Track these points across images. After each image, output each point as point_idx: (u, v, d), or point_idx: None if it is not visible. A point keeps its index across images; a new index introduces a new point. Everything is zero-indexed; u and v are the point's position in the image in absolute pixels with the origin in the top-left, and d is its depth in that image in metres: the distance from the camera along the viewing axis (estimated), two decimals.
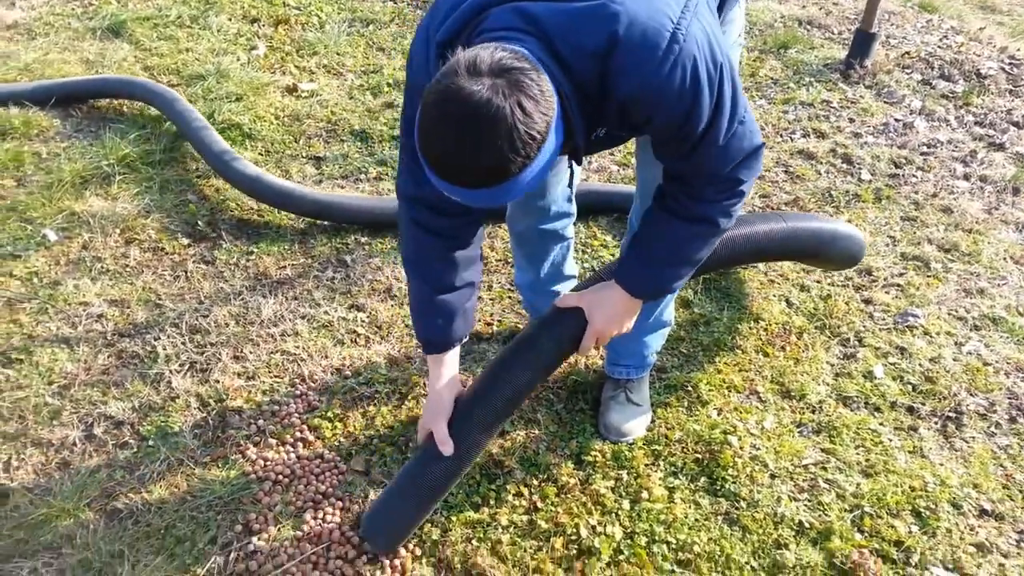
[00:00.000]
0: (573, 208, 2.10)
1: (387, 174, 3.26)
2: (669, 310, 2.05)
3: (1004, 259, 2.80)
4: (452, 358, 1.72)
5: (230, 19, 4.66)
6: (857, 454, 2.05)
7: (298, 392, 2.21)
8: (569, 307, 1.70)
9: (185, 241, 2.84)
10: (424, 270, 1.65)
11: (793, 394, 2.24)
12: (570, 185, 1.93)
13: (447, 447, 1.64)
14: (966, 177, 3.32)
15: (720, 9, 1.62)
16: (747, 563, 1.78)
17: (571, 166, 1.64)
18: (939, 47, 4.52)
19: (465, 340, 1.74)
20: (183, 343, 2.39)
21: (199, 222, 2.89)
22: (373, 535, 1.77)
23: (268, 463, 1.99)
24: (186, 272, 2.70)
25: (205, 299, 2.58)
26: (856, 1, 5.14)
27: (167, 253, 2.78)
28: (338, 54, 4.29)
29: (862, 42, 4.14)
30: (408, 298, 1.77)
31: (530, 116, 1.17)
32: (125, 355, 2.36)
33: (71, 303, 2.54)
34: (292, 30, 4.58)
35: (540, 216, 2.03)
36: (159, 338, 2.40)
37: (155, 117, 3.50)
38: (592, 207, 2.91)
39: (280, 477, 1.96)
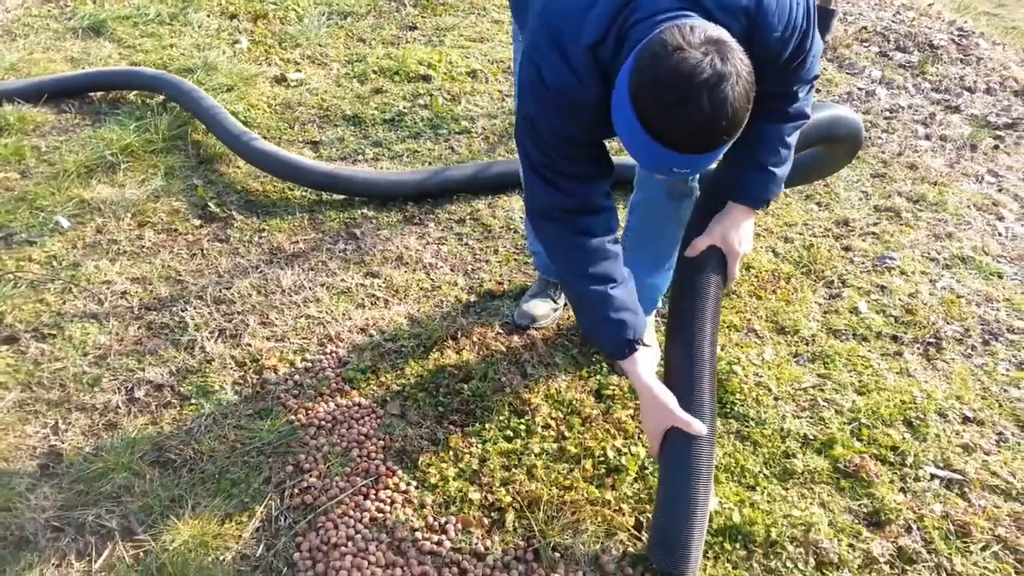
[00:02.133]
0: None
1: (383, 155, 3.39)
2: (676, 252, 2.21)
3: (968, 207, 3.03)
4: (645, 352, 1.73)
5: (208, 15, 4.74)
6: (850, 377, 2.25)
7: (328, 350, 2.34)
8: (702, 250, 1.81)
9: (197, 222, 2.94)
10: (601, 274, 1.67)
11: (787, 330, 2.43)
12: None
13: (696, 425, 1.63)
14: (927, 137, 3.55)
15: None
16: (760, 472, 1.96)
17: None
18: (893, 22, 4.78)
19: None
20: (210, 313, 2.50)
21: (209, 204, 3.00)
22: (680, 562, 1.61)
23: (310, 411, 2.12)
24: (202, 250, 2.80)
25: (224, 273, 2.69)
26: None
27: (181, 234, 2.88)
28: (320, 45, 4.40)
29: (822, 18, 4.34)
30: (584, 319, 1.77)
31: (746, 64, 1.31)
32: (155, 326, 2.46)
33: (94, 282, 2.63)
34: (271, 24, 4.68)
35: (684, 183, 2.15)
36: (186, 309, 2.51)
37: (151, 107, 3.59)
38: None
39: (323, 423, 2.09)
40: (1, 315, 2.47)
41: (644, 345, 1.71)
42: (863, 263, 2.73)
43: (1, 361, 2.31)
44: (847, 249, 2.80)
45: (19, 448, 2.06)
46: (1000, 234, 2.88)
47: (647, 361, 1.70)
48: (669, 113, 1.29)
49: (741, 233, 1.80)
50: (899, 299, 2.55)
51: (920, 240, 2.84)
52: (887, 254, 2.74)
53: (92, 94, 3.78)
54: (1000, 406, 2.16)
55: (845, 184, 3.18)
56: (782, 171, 1.78)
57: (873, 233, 2.89)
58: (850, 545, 1.79)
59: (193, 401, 2.19)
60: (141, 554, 1.79)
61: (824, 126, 2.14)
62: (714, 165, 1.47)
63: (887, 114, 3.73)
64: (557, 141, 1.57)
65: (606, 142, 1.70)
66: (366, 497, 1.90)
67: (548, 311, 2.41)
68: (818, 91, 3.92)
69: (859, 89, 3.96)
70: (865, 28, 4.64)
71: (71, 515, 1.89)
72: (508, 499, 1.88)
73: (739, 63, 1.29)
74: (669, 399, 1.66)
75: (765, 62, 1.50)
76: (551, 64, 1.48)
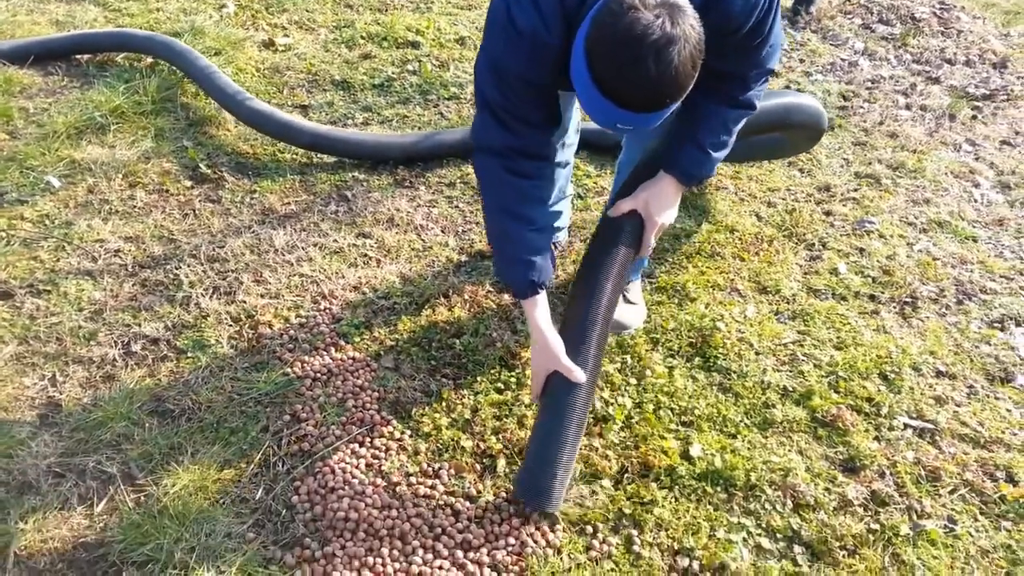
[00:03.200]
0: (577, 138, 2.31)
1: (373, 119, 3.41)
2: None
3: (945, 174, 3.11)
4: (545, 298, 1.81)
5: None
6: (829, 333, 2.33)
7: (322, 307, 2.39)
8: (624, 213, 1.86)
9: (188, 183, 2.96)
10: (521, 214, 1.76)
11: (769, 289, 2.50)
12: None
13: (577, 373, 1.72)
14: (908, 107, 3.62)
15: None
16: (741, 421, 2.04)
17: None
18: None
19: (552, 284, 1.85)
20: (204, 271, 2.54)
21: (200, 165, 3.02)
22: (540, 497, 1.72)
23: (305, 364, 2.17)
24: (194, 211, 2.83)
25: (217, 233, 2.72)
26: None
27: (172, 194, 2.90)
28: (307, 11, 4.39)
29: None
30: (498, 253, 1.85)
31: (696, 30, 1.36)
32: (149, 283, 2.49)
33: (86, 240, 2.65)
34: None
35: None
36: (179, 267, 2.54)
37: (140, 70, 3.59)
38: None
39: (318, 375, 2.14)
40: None
41: (545, 289, 1.80)
42: (843, 227, 2.80)
43: None
44: (828, 214, 2.88)
45: (18, 399, 2.10)
46: (976, 200, 2.96)
47: (545, 305, 1.79)
48: (617, 71, 1.35)
49: (663, 203, 1.84)
50: (877, 261, 2.63)
51: (899, 205, 2.92)
52: (866, 218, 2.82)
53: (79, 57, 3.77)
54: (971, 361, 2.25)
55: (827, 152, 3.25)
56: (719, 155, 1.83)
57: (853, 198, 2.96)
58: (826, 489, 1.88)
59: (189, 355, 2.23)
60: (142, 498, 1.84)
61: (787, 112, 2.21)
62: (657, 125, 1.51)
63: (869, 84, 3.79)
64: (518, 84, 1.62)
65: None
66: (361, 445, 1.96)
67: None
68: (802, 61, 3.98)
69: (842, 60, 4.02)
70: (849, 0, 4.69)
71: (72, 461, 1.93)
72: (499, 446, 1.95)
73: (689, 28, 1.34)
74: (558, 345, 1.74)
75: (724, 33, 1.56)
76: (523, 8, 1.52)
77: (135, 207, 2.83)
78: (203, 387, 2.12)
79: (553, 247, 2.46)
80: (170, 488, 1.84)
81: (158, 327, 2.33)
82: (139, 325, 2.33)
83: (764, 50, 1.68)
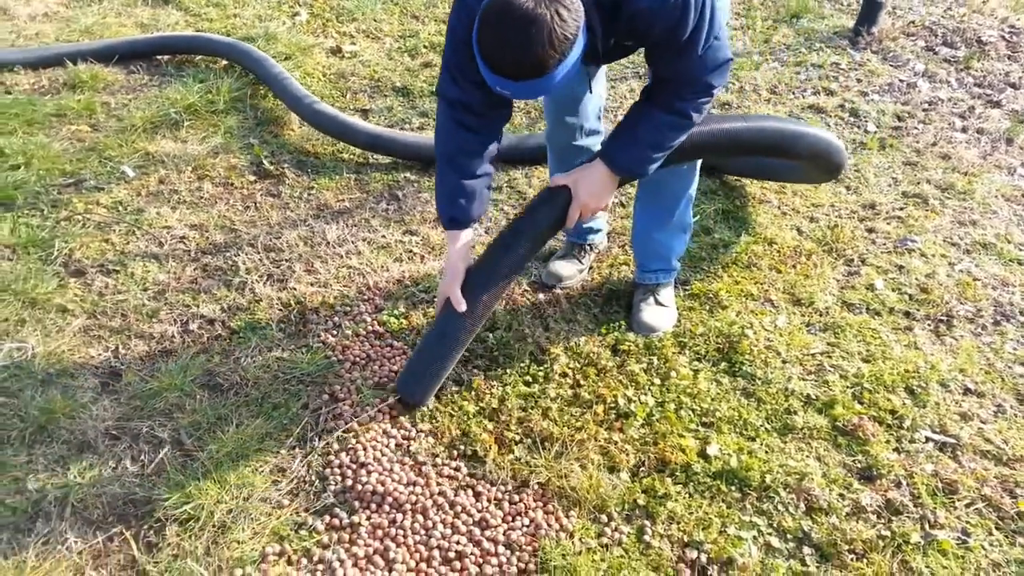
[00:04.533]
0: (602, 127, 2.40)
1: (428, 124, 3.55)
2: (689, 213, 2.35)
3: (996, 197, 3.08)
4: (468, 235, 2.03)
5: None
6: (858, 346, 2.34)
7: (366, 297, 2.51)
8: (559, 185, 2.01)
9: (252, 178, 3.14)
10: (457, 162, 1.97)
11: (803, 301, 2.53)
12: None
13: (462, 305, 1.97)
14: (964, 129, 3.59)
15: None
16: (762, 425, 2.08)
17: (590, 88, 2.02)
18: (943, 17, 4.78)
19: (479, 222, 2.07)
20: (260, 259, 2.70)
21: (264, 161, 3.19)
22: (409, 390, 2.08)
23: (347, 349, 2.30)
24: (255, 203, 3.00)
25: (275, 225, 2.88)
26: None
27: (236, 188, 3.08)
28: (375, 20, 4.58)
29: (869, 10, 4.41)
30: (436, 186, 2.05)
31: (565, 21, 1.52)
32: (210, 268, 2.66)
33: (155, 227, 2.84)
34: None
35: (575, 133, 2.33)
36: (238, 255, 2.70)
37: (214, 71, 3.81)
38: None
39: (357, 359, 2.26)
40: (71, 251, 2.69)
41: (467, 227, 2.01)
42: (885, 244, 2.81)
43: (70, 291, 2.53)
44: (870, 231, 2.88)
45: (83, 367, 2.27)
46: None
47: (464, 241, 2.01)
48: (489, 39, 1.55)
49: (590, 184, 1.96)
50: (916, 279, 2.63)
51: (944, 225, 2.91)
52: (909, 237, 2.82)
53: (160, 57, 4.02)
54: (1003, 381, 2.24)
55: (876, 170, 3.25)
56: (651, 154, 1.92)
57: (898, 217, 2.96)
58: (840, 494, 1.91)
59: (241, 335, 2.38)
60: (188, 461, 1.99)
61: (794, 139, 2.25)
62: (539, 99, 1.66)
63: (925, 106, 3.77)
64: (462, 47, 1.77)
65: None
66: (393, 426, 2.07)
67: (574, 272, 2.56)
68: (859, 81, 3.98)
69: (900, 81, 4.00)
70: (913, 22, 4.65)
71: (128, 425, 2.09)
72: (522, 434, 2.03)
73: (556, 13, 1.50)
74: (456, 278, 1.99)
75: (640, 35, 1.73)
76: None
77: (201, 198, 3.01)
78: (251, 365, 2.26)
79: (587, 248, 2.55)
80: (214, 454, 1.98)
81: (215, 308, 2.48)
82: (197, 306, 2.49)
83: (693, 61, 1.77)
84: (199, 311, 2.47)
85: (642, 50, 1.91)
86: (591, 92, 2.25)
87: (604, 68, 2.29)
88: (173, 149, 3.27)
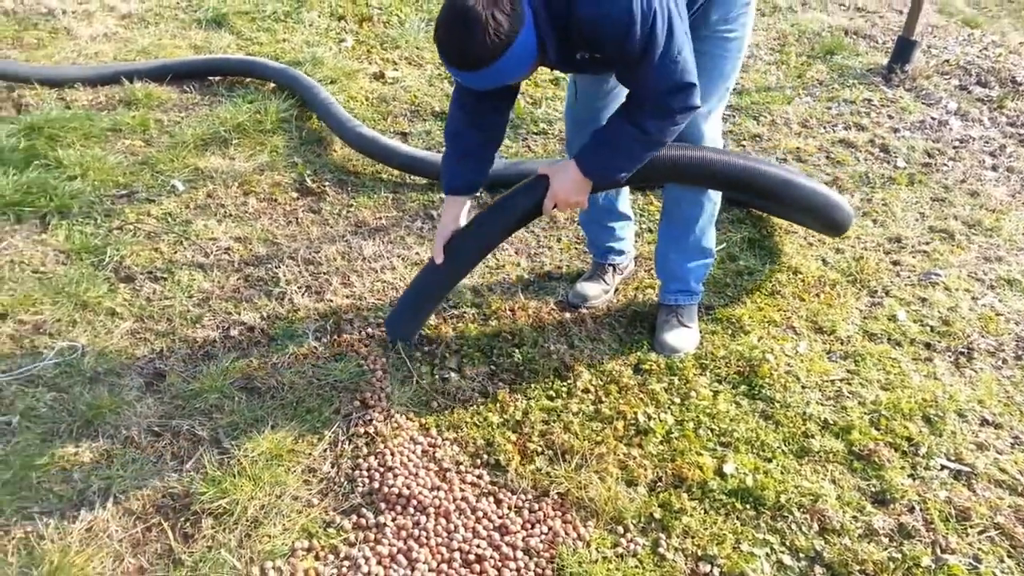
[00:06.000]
0: None
1: None
2: (708, 238, 2.43)
3: (1022, 234, 3.10)
4: (461, 202, 2.25)
5: (319, 16, 5.15)
6: (878, 374, 2.39)
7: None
8: (541, 175, 2.14)
9: (295, 195, 3.27)
10: (458, 138, 2.19)
11: (825, 329, 2.58)
12: None
13: (439, 258, 2.23)
14: (994, 168, 3.62)
15: None
16: (779, 447, 2.13)
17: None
18: (978, 57, 4.82)
19: (476, 192, 2.29)
20: (300, 272, 2.81)
21: (306, 179, 3.33)
22: (393, 329, 2.42)
23: (378, 359, 2.39)
24: (297, 219, 3.13)
25: (315, 240, 3.00)
26: (900, 15, 5.46)
27: (280, 203, 3.22)
28: (417, 48, 4.74)
29: (903, 48, 4.47)
30: (442, 158, 2.28)
31: (500, 23, 1.69)
32: (252, 279, 2.78)
33: (202, 238, 2.98)
34: (375, 27, 5.05)
35: (597, 114, 2.37)
36: (279, 267, 2.82)
37: (263, 93, 3.97)
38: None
39: (388, 369, 2.35)
40: (122, 258, 2.83)
41: (463, 196, 2.25)
42: (909, 277, 2.85)
43: (119, 295, 2.66)
44: (895, 263, 2.93)
45: (129, 367, 2.39)
46: None
47: (457, 206, 2.25)
48: (437, 33, 1.75)
49: (563, 181, 2.09)
50: (938, 311, 2.67)
51: (969, 261, 2.94)
52: (933, 270, 2.86)
53: (211, 78, 4.20)
54: (1021, 414, 2.26)
55: (903, 205, 3.29)
56: (617, 163, 2.03)
57: (924, 251, 3.00)
58: (854, 517, 1.95)
59: (279, 342, 2.48)
60: (225, 459, 2.08)
61: (786, 186, 2.32)
62: (487, 88, 1.86)
63: (956, 143, 3.81)
64: None
65: None
66: (420, 433, 2.15)
67: (600, 292, 2.63)
68: (891, 117, 4.03)
69: (932, 118, 4.04)
70: (948, 61, 4.70)
71: (169, 423, 2.20)
72: (544, 446, 2.11)
73: (493, 16, 1.67)
74: (442, 236, 2.23)
75: (596, 47, 1.85)
76: None
77: (246, 212, 3.15)
78: (287, 371, 2.37)
79: (612, 269, 2.63)
80: (250, 453, 2.08)
81: (255, 317, 2.60)
82: (239, 314, 2.61)
83: (648, 79, 1.86)
84: (240, 318, 2.59)
85: None
86: (604, 107, 2.33)
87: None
88: (221, 165, 3.42)
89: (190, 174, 3.36)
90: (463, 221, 2.26)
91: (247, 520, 1.91)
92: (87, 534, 1.89)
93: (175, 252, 2.90)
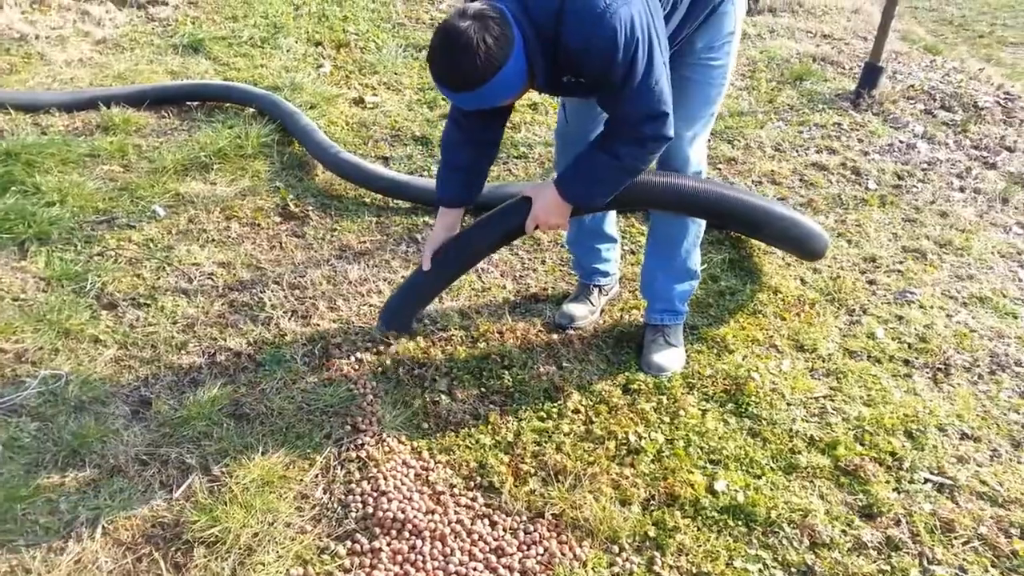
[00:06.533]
0: None
1: None
2: (693, 260, 2.48)
3: (992, 253, 3.20)
4: (454, 214, 2.36)
5: (296, 41, 5.18)
6: (860, 391, 2.44)
7: (387, 334, 2.62)
8: (526, 196, 2.23)
9: (277, 219, 3.27)
10: (450, 153, 2.28)
11: (806, 347, 2.63)
12: None
13: (426, 264, 2.37)
14: (961, 189, 3.73)
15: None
16: (767, 464, 2.17)
17: (567, 119, 2.32)
18: (941, 82, 4.97)
19: (469, 205, 2.40)
20: (285, 296, 2.81)
21: (289, 204, 3.33)
22: (385, 323, 2.58)
23: (367, 383, 2.39)
24: (280, 243, 3.13)
25: (299, 264, 3.00)
26: (865, 42, 5.62)
27: (263, 228, 3.21)
28: (395, 74, 4.78)
29: (870, 74, 4.60)
30: (436, 172, 2.39)
31: (490, 48, 1.76)
32: (237, 304, 2.77)
33: (184, 263, 2.96)
34: (352, 52, 5.09)
35: (586, 135, 2.42)
36: (264, 292, 2.82)
37: (245, 118, 3.97)
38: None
39: (378, 393, 2.36)
40: (104, 285, 2.81)
41: (455, 208, 2.37)
42: (885, 295, 2.92)
43: (102, 323, 2.63)
44: (871, 283, 3.00)
45: (114, 395, 2.36)
46: (1020, 280, 3.04)
47: (448, 217, 2.37)
48: (431, 55, 1.83)
49: (544, 202, 2.17)
50: (915, 328, 2.73)
51: (942, 279, 3.02)
52: (908, 289, 2.93)
53: (189, 103, 4.20)
54: (998, 427, 2.32)
55: (876, 226, 3.38)
56: (593, 188, 2.11)
57: (898, 270, 3.08)
58: (842, 531, 1.98)
59: (267, 367, 2.48)
60: (215, 487, 2.07)
61: (766, 215, 2.45)
62: (475, 108, 1.96)
63: (924, 166, 3.92)
64: None
65: None
66: (412, 456, 2.15)
67: (586, 313, 2.67)
68: (860, 141, 4.14)
69: (900, 142, 4.15)
70: (913, 86, 4.84)
71: (157, 451, 2.18)
72: (537, 467, 2.12)
73: (483, 41, 1.74)
74: (433, 243, 2.37)
75: (581, 72, 1.92)
76: None
77: (229, 237, 3.14)
78: (276, 396, 2.36)
79: (597, 290, 2.66)
80: (241, 480, 2.06)
81: (241, 342, 2.59)
82: (224, 339, 2.60)
83: (626, 105, 1.94)
84: (226, 344, 2.57)
85: None
86: (591, 128, 2.36)
87: None
88: (202, 190, 3.41)
89: (171, 199, 3.35)
90: (455, 231, 2.38)
91: (240, 548, 1.90)
92: (75, 566, 1.86)
93: (158, 278, 2.88)
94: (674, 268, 2.46)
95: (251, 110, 4.09)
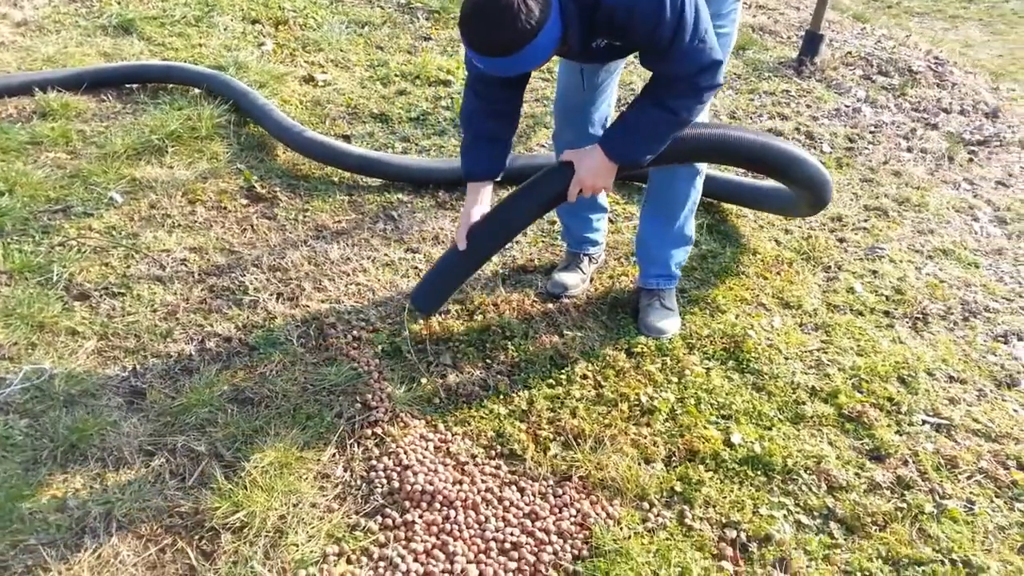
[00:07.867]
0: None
1: (411, 149, 3.65)
2: (690, 225, 2.52)
3: (947, 208, 3.36)
4: (484, 188, 2.23)
5: (232, 19, 4.98)
6: (850, 342, 2.54)
7: (381, 312, 2.58)
8: (565, 161, 2.14)
9: (244, 201, 3.17)
10: (474, 124, 2.19)
11: (792, 304, 2.71)
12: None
13: (461, 243, 2.17)
14: (909, 149, 3.90)
15: None
16: (775, 416, 2.24)
17: (583, 85, 2.22)
18: (875, 49, 5.17)
19: (497, 178, 2.26)
20: (267, 279, 2.73)
21: (255, 185, 3.23)
22: (419, 303, 2.29)
23: (371, 361, 2.35)
24: (252, 226, 3.03)
25: (275, 246, 2.92)
26: (798, 12, 5.78)
27: (230, 211, 3.10)
28: (341, 51, 4.66)
29: (811, 42, 4.74)
30: (460, 147, 2.28)
31: (531, 10, 1.69)
32: (217, 288, 2.68)
33: (154, 250, 2.84)
34: (292, 30, 4.93)
35: (580, 134, 2.44)
36: (244, 275, 2.73)
37: (193, 99, 3.82)
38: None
39: (384, 369, 2.32)
40: (71, 275, 2.67)
41: (482, 181, 2.23)
42: (856, 252, 3.03)
43: (77, 314, 2.51)
44: (841, 240, 3.11)
45: (104, 387, 2.26)
46: (976, 232, 3.21)
47: (478, 192, 2.22)
48: (464, 20, 1.75)
49: (590, 166, 2.09)
50: (889, 282, 2.86)
51: (906, 235, 3.16)
52: (877, 245, 3.05)
53: (129, 86, 4.00)
54: (979, 368, 2.46)
55: (837, 186, 3.50)
56: (643, 144, 2.04)
57: (864, 228, 3.20)
58: (856, 473, 2.07)
59: (262, 351, 2.40)
60: (231, 472, 2.00)
61: (794, 162, 2.36)
62: (510, 75, 1.86)
63: (872, 128, 4.07)
64: None
65: None
66: (429, 429, 2.13)
67: (578, 281, 2.68)
68: (808, 107, 4.27)
69: (846, 106, 4.31)
70: (850, 53, 5.01)
71: (161, 440, 2.09)
72: (555, 432, 2.13)
73: (524, 3, 1.68)
74: (467, 221, 2.18)
75: (622, 34, 1.89)
76: None
77: (196, 221, 3.02)
78: (278, 379, 2.29)
79: (587, 258, 2.68)
80: (258, 464, 2.00)
81: (229, 327, 2.50)
82: (211, 325, 2.51)
83: (677, 62, 1.90)
84: (214, 330, 2.49)
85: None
86: (595, 98, 2.39)
87: (615, 79, 2.41)
88: (160, 175, 3.27)
89: (127, 185, 3.20)
90: (486, 207, 2.24)
91: (269, 531, 1.85)
92: (96, 561, 1.78)
93: (127, 266, 2.75)
94: (671, 233, 2.49)
95: (198, 91, 3.92)
